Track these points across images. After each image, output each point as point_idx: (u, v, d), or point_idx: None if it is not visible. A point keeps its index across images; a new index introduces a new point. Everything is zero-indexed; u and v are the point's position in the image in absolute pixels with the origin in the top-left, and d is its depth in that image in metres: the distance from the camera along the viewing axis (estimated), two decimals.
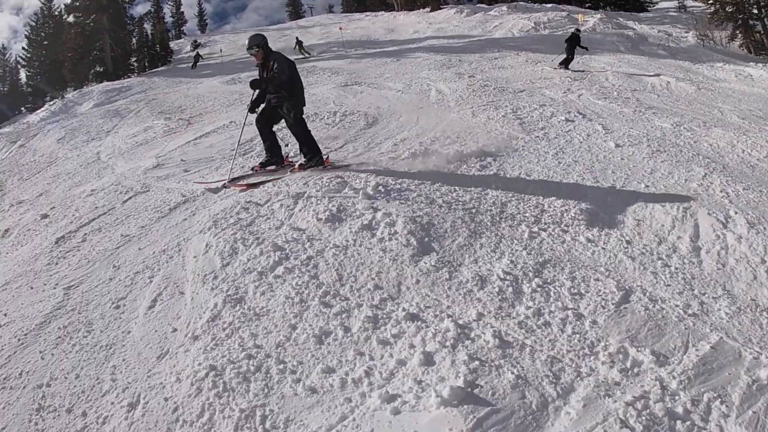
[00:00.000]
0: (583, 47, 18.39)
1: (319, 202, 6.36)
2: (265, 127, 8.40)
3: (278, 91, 8.02)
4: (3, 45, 48.03)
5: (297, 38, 33.31)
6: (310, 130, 8.22)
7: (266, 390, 3.82)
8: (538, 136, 9.27)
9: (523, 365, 3.78)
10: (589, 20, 28.65)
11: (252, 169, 8.41)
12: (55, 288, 5.95)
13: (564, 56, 17.68)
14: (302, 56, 29.20)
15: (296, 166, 7.99)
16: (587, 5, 34.89)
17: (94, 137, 14.67)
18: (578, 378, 3.66)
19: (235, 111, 13.37)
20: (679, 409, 3.37)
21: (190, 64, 33.76)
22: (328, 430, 3.44)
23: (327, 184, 6.92)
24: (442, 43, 24.01)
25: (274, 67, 7.90)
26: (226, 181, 7.85)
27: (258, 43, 8.08)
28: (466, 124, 10.18)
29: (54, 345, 5.00)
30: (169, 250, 6.09)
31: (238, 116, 12.58)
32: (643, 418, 3.30)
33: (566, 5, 34.34)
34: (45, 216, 8.74)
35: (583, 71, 16.22)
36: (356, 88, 14.64)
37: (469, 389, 3.54)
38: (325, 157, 8.24)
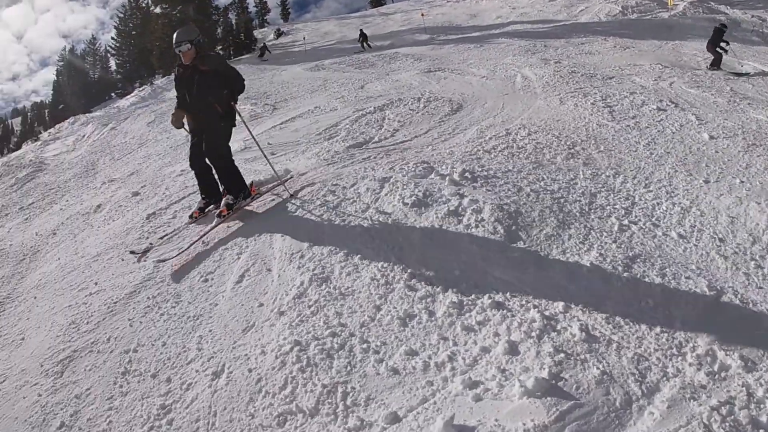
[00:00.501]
0: (721, 47, 16.29)
1: (405, 186, 6.35)
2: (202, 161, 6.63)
3: (208, 108, 6.30)
4: (93, 35, 50.31)
5: (361, 30, 32.19)
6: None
7: (349, 368, 3.89)
8: (628, 125, 8.94)
9: (608, 361, 3.68)
10: (679, 4, 27.24)
11: (190, 217, 6.85)
12: (145, 260, 6.19)
13: (711, 57, 16.17)
14: (363, 49, 28.68)
15: (223, 208, 6.48)
16: None
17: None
18: (664, 378, 3.55)
19: (319, 97, 13.53)
20: (764, 418, 3.22)
21: (257, 54, 34.09)
22: (409, 411, 3.47)
23: (413, 169, 6.89)
24: (526, 28, 23.46)
25: (219, 70, 6.35)
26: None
27: (192, 38, 6.28)
28: (553, 112, 9.94)
29: (142, 314, 5.27)
30: (260, 237, 6.15)
31: (323, 102, 12.76)
32: (727, 424, 3.18)
33: None
34: (136, 193, 9.15)
35: (747, 74, 14.73)
36: (440, 74, 14.50)
37: (554, 381, 3.49)
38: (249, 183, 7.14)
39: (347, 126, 10.32)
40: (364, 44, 30.04)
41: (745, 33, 22.89)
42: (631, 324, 4.07)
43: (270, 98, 15.38)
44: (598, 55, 16.72)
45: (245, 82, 6.60)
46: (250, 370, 4.11)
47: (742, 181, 6.73)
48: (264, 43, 35.86)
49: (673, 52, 17.23)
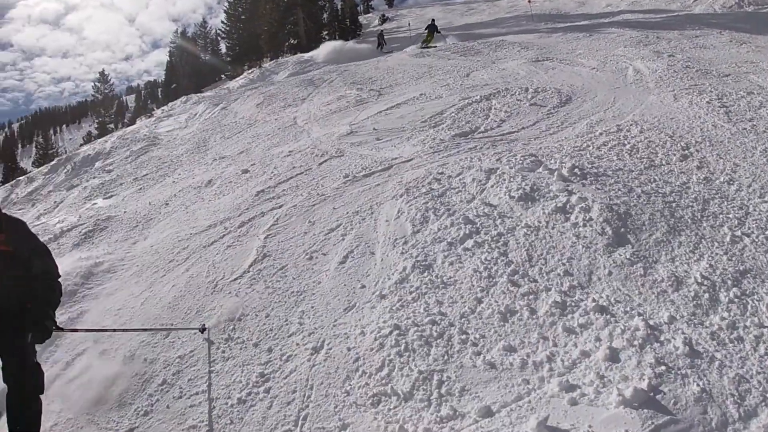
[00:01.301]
0: None
1: (512, 179, 6.32)
2: None
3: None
4: (204, 19, 52.06)
5: (432, 21, 27.47)
6: None
7: (446, 357, 3.94)
8: (745, 128, 8.33)
9: (709, 379, 3.55)
10: None
11: None
12: (255, 235, 6.44)
13: None
14: (426, 47, 23.74)
15: None
16: None
17: (290, 104, 15.47)
18: (763, 403, 3.37)
19: (425, 83, 13.49)
20: None
21: (376, 46, 30.37)
22: (502, 406, 3.48)
23: (521, 161, 6.84)
24: (638, 17, 22.30)
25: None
26: None
27: None
28: (667, 109, 9.47)
29: (248, 285, 5.51)
30: (362, 212, 6.42)
31: (428, 89, 12.72)
32: None
33: None
34: (246, 171, 9.48)
35: None
36: (547, 64, 14.13)
37: (652, 394, 3.40)
38: None
39: (453, 114, 10.25)
40: (427, 41, 25.43)
41: None
42: (736, 343, 3.89)
43: (375, 84, 15.45)
44: (713, 49, 15.71)
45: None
46: (349, 349, 4.24)
47: None
48: (381, 31, 33.46)
49: None
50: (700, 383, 3.49)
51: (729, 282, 4.57)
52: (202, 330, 4.97)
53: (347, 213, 6.50)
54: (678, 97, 10.16)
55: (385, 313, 4.48)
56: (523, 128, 9.04)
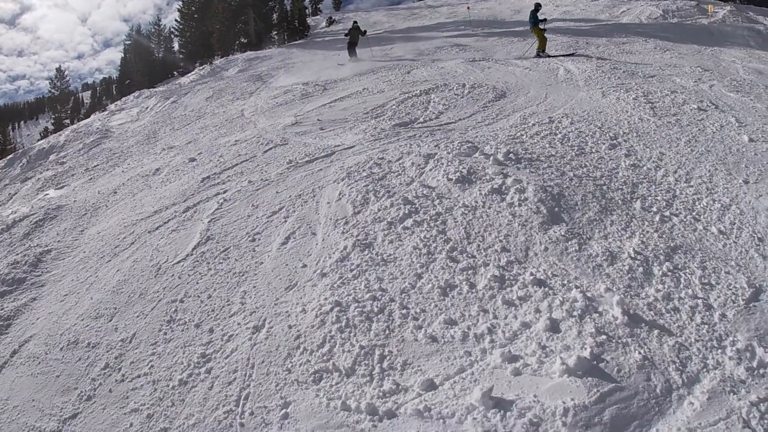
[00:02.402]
0: None
1: (449, 163, 6.14)
2: None
3: None
4: (158, 17, 50.84)
5: (354, 23, 21.32)
6: None
7: (387, 332, 3.73)
8: (670, 122, 8.44)
9: (650, 347, 3.46)
10: (719, 11, 26.04)
11: None
12: (199, 220, 6.12)
13: None
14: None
15: None
16: None
17: (238, 97, 15.17)
18: (704, 369, 3.33)
19: (368, 79, 13.31)
20: None
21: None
22: (445, 379, 3.31)
23: (458, 147, 6.67)
24: (569, 25, 22.56)
25: None
26: None
27: None
28: (595, 104, 9.49)
29: (191, 267, 5.19)
30: (304, 195, 6.13)
31: (371, 84, 12.53)
32: (765, 421, 2.96)
33: None
34: (193, 159, 9.13)
35: None
36: (484, 64, 14.07)
37: (595, 362, 3.28)
38: None
39: (394, 107, 10.05)
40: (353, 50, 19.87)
41: None
42: (673, 313, 3.82)
43: (320, 79, 15.24)
44: (638, 54, 16.11)
45: None
46: (290, 327, 4.00)
47: None
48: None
49: (712, 58, 16.47)
50: (642, 351, 3.40)
51: (661, 257, 4.51)
52: None
53: (290, 196, 6.21)
54: (606, 93, 10.24)
55: (326, 291, 4.23)
56: (460, 119, 8.90)
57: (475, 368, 3.35)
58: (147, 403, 3.75)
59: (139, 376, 4.02)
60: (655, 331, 3.59)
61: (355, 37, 19.37)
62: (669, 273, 4.28)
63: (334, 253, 4.73)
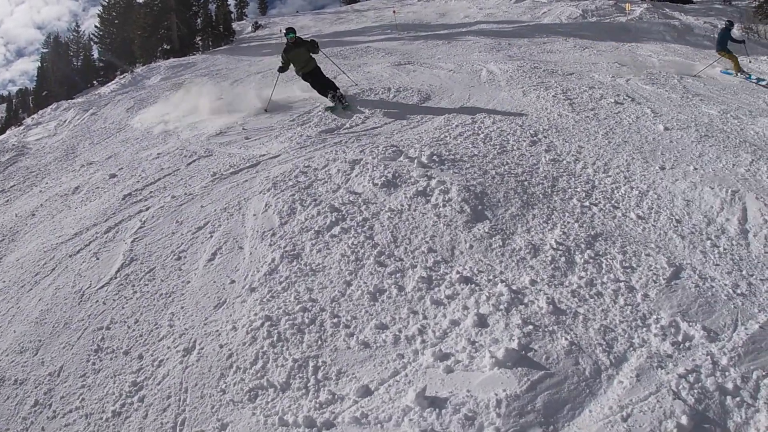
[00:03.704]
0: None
1: (374, 168, 6.19)
2: None
3: None
4: (77, 23, 48.85)
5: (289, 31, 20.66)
6: None
7: (320, 342, 3.73)
8: (588, 116, 8.80)
9: (576, 332, 3.60)
10: (636, 9, 27.28)
11: None
12: (121, 240, 5.94)
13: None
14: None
15: None
16: None
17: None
18: (631, 348, 3.50)
19: (293, 85, 13.16)
20: (729, 385, 3.21)
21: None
22: (380, 384, 3.33)
23: (383, 152, 6.74)
24: (492, 27, 23.12)
25: None
26: None
27: None
28: (516, 103, 9.80)
29: (116, 291, 5.02)
30: (229, 209, 6.03)
31: (296, 90, 12.39)
32: (695, 391, 3.14)
33: None
34: (113, 175, 8.82)
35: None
36: (409, 67, 14.24)
37: (523, 352, 3.39)
38: None
39: (320, 113, 10.02)
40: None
41: (698, 38, 22.97)
42: (596, 297, 4.00)
43: (246, 86, 14.90)
44: (559, 53, 16.67)
45: None
46: (221, 346, 3.93)
47: (696, 168, 6.66)
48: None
49: (629, 53, 17.21)
50: (568, 337, 3.52)
51: (582, 246, 4.70)
52: None
53: (215, 210, 6.09)
54: (527, 92, 10.56)
55: (255, 306, 4.18)
56: (385, 123, 8.97)
57: (408, 370, 3.39)
58: None
59: (71, 411, 3.87)
60: (580, 317, 3.75)
61: (303, 63, 10.32)
62: (591, 260, 4.47)
63: (262, 266, 4.68)
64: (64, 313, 5.00)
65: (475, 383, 3.20)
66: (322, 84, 10.33)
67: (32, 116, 20.96)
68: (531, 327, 3.60)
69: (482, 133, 7.78)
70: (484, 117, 8.68)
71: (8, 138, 15.97)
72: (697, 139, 7.76)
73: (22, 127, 17.67)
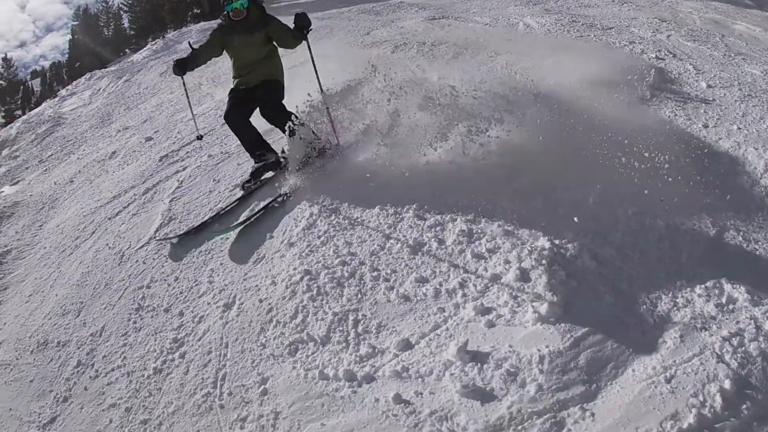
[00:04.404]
0: None
1: None
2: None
3: None
4: None
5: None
6: None
7: (359, 296, 3.72)
8: None
9: (620, 289, 3.53)
10: None
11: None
12: (160, 200, 6.00)
13: None
14: None
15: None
16: None
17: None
18: (675, 308, 3.41)
19: (328, 42, 12.86)
20: None
21: None
22: (421, 337, 3.32)
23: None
24: None
25: None
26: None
27: None
28: (556, 58, 9.37)
29: (155, 251, 5.12)
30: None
31: (331, 49, 12.09)
32: (738, 355, 3.03)
33: None
34: (149, 138, 8.93)
35: None
36: (444, 22, 13.95)
37: (567, 308, 3.32)
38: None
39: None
40: None
41: None
42: (640, 255, 3.89)
43: None
44: (597, 7, 16.14)
45: None
46: (260, 301, 3.96)
47: (740, 128, 6.42)
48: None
49: (669, 9, 16.62)
50: (612, 294, 3.46)
51: (626, 202, 4.47)
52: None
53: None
54: (568, 47, 10.24)
55: (294, 260, 4.17)
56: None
57: (449, 324, 3.37)
58: (124, 397, 3.73)
59: (113, 370, 3.98)
60: (624, 274, 3.66)
61: (252, 62, 5.59)
62: (634, 216, 4.32)
63: (300, 221, 4.64)
64: (104, 274, 5.14)
65: (517, 338, 3.17)
66: (276, 112, 5.48)
67: (66, 87, 21.20)
68: (575, 283, 3.53)
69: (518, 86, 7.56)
70: (522, 71, 8.44)
71: (44, 110, 16.31)
72: (741, 99, 7.52)
73: (57, 99, 17.96)
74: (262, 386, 3.34)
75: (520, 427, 2.74)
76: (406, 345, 3.30)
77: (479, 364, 3.06)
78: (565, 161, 4.98)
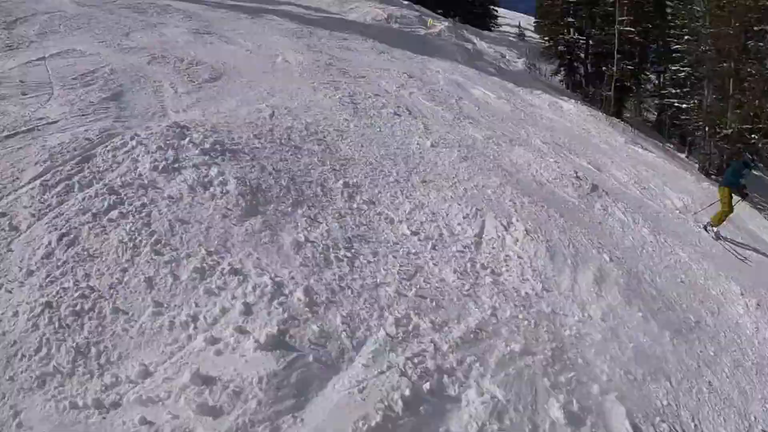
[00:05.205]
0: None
1: (156, 151, 6.15)
2: None
3: None
4: None
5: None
6: None
7: (100, 328, 3.89)
8: (366, 124, 9.67)
9: (326, 320, 4.38)
10: (437, 26, 28.83)
11: None
12: None
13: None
14: None
15: None
16: (439, 11, 35.02)
17: None
18: (370, 335, 4.39)
19: (82, 36, 11.70)
20: (447, 365, 4.31)
21: None
22: (158, 365, 3.68)
23: (165, 132, 6.66)
24: (299, 11, 22.48)
25: None
26: None
27: None
28: (305, 98, 10.24)
29: None
30: (2, 181, 5.40)
31: (84, 44, 11.00)
32: (419, 369, 4.14)
33: (421, 5, 33.90)
34: None
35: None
36: (207, 38, 13.91)
37: (282, 337, 4.03)
38: None
39: (105, 75, 9.14)
40: None
41: (485, 64, 25.12)
42: (346, 290, 4.86)
43: (29, 28, 11.91)
44: (356, 52, 17.31)
45: None
46: (4, 333, 3.79)
47: (452, 185, 7.94)
48: None
49: (420, 65, 18.39)
50: (319, 324, 4.28)
51: (340, 244, 5.56)
52: None
53: None
54: (317, 89, 11.02)
55: (34, 291, 4.12)
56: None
57: (183, 353, 3.80)
58: None
59: None
60: (332, 307, 4.55)
61: None
62: (345, 258, 5.34)
63: (39, 248, 4.54)
64: None
65: (241, 364, 3.73)
66: None
67: None
68: (287, 315, 4.27)
69: (267, 125, 8.11)
70: (272, 108, 8.99)
71: None
72: (458, 159, 9.08)
73: None
74: (17, 419, 3.28)
75: None
76: (146, 373, 3.60)
77: (210, 387, 3.54)
78: (296, 202, 5.87)
